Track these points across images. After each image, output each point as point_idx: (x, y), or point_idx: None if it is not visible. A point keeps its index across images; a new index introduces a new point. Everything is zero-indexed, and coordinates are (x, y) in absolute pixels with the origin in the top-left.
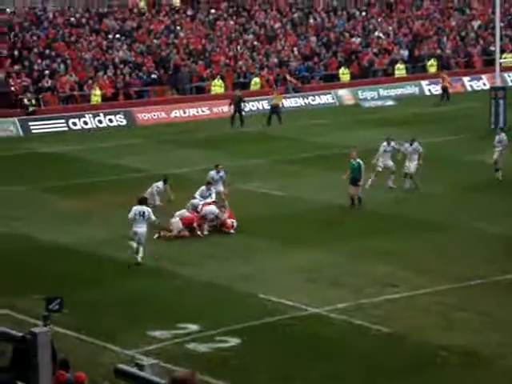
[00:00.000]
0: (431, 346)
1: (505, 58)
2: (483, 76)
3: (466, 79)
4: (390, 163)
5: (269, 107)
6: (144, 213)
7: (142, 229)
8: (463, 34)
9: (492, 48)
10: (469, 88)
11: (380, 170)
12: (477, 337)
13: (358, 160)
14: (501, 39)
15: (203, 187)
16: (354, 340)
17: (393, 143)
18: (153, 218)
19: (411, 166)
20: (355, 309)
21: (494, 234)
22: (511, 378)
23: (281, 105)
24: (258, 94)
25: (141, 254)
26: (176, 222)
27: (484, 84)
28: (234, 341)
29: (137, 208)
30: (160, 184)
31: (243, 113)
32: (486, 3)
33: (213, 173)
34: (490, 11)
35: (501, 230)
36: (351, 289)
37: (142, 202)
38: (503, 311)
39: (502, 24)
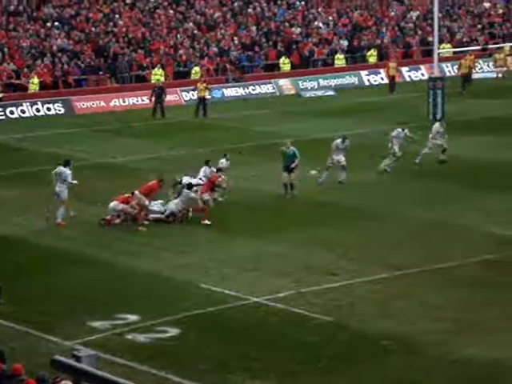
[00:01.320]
0: (371, 334)
1: (443, 49)
2: (422, 66)
3: (404, 69)
4: (342, 158)
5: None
6: (61, 174)
7: (59, 188)
8: (402, 24)
9: (430, 38)
10: (407, 78)
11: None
12: (415, 325)
13: (293, 148)
14: (439, 30)
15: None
16: (294, 329)
17: (347, 141)
18: (69, 179)
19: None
20: (296, 298)
21: (431, 222)
22: (449, 366)
23: (207, 95)
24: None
25: (59, 215)
26: (113, 207)
27: (422, 74)
28: (173, 331)
29: (58, 169)
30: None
31: (163, 103)
32: None
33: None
34: (429, 2)
35: (437, 218)
36: (292, 278)
37: (66, 164)
38: (441, 299)
39: (440, 14)
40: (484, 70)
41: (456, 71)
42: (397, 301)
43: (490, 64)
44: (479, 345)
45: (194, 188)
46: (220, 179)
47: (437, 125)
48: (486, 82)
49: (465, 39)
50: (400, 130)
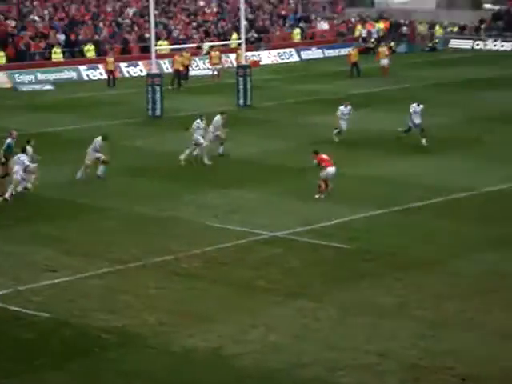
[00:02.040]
0: (92, 329)
1: (160, 46)
2: (140, 62)
3: (123, 65)
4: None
5: None
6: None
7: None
8: (119, 20)
9: (147, 35)
10: (126, 74)
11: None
12: (136, 318)
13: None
14: (156, 26)
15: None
16: (10, 328)
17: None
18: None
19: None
20: (13, 296)
21: (150, 216)
22: (170, 356)
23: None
24: None
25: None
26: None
27: (141, 70)
28: None
29: None
30: None
31: None
32: None
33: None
34: None
35: (157, 212)
36: (9, 276)
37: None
38: (161, 292)
39: (156, 11)
40: (200, 68)
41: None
42: (118, 295)
43: (206, 61)
44: (198, 335)
45: None
46: None
47: (217, 117)
48: (202, 80)
49: (181, 36)
50: (198, 120)
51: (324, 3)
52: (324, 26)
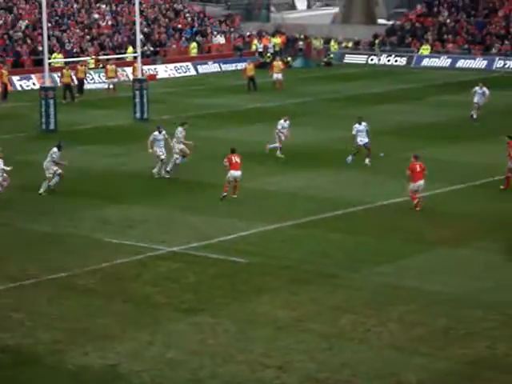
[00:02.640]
0: None
1: (54, 59)
2: (33, 76)
3: (15, 78)
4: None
5: None
6: None
7: None
8: (11, 32)
9: (40, 48)
10: (19, 87)
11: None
12: (31, 336)
13: None
14: (49, 39)
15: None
16: None
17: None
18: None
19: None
20: None
21: (46, 233)
22: (66, 374)
23: None
24: None
25: None
26: None
27: (34, 84)
28: None
29: None
30: None
31: None
32: (32, 3)
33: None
34: (37, 11)
35: (53, 229)
36: None
37: None
38: (56, 309)
39: (49, 24)
40: (96, 81)
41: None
42: (12, 313)
43: (102, 75)
44: (94, 352)
45: None
46: None
47: (180, 129)
48: (99, 93)
49: (75, 49)
50: (157, 132)
51: (220, 17)
52: (221, 40)
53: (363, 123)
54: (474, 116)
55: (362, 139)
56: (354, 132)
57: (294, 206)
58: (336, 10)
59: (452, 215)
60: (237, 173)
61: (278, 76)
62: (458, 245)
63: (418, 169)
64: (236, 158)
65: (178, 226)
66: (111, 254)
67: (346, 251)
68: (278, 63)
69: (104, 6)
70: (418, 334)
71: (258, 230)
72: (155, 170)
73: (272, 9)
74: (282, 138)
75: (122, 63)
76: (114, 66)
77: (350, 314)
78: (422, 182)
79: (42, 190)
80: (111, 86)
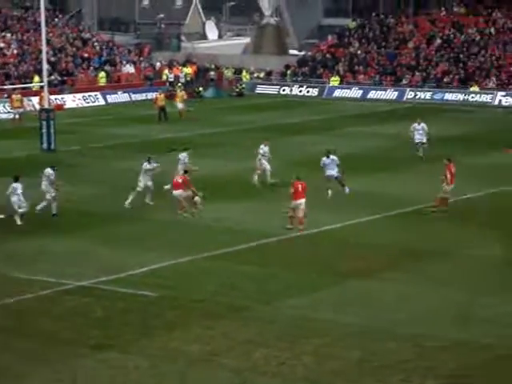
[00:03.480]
0: None
1: None
2: None
3: None
4: (150, 183)
5: None
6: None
7: None
8: None
9: None
10: None
11: (140, 189)
12: None
13: None
14: None
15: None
16: None
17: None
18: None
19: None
20: None
21: None
22: None
23: None
24: None
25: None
26: None
27: None
28: None
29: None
30: None
31: None
32: None
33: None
34: None
35: None
36: None
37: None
38: None
39: None
40: (0, 111)
41: None
42: None
43: (7, 105)
44: None
45: None
46: None
47: (184, 154)
48: (4, 123)
49: None
50: (146, 163)
51: (130, 46)
52: (130, 69)
53: (331, 156)
54: (421, 155)
55: (330, 172)
56: (321, 165)
57: (207, 237)
58: (247, 40)
59: (365, 246)
60: (175, 192)
61: (180, 105)
62: (371, 276)
63: (300, 188)
64: (179, 179)
65: (88, 260)
66: (17, 289)
67: (258, 283)
68: (181, 93)
69: (9, 35)
70: (332, 367)
71: (169, 262)
72: (127, 202)
73: (182, 38)
74: (265, 162)
75: (29, 93)
76: (19, 96)
77: (263, 348)
78: (302, 200)
79: (38, 208)
80: (17, 116)
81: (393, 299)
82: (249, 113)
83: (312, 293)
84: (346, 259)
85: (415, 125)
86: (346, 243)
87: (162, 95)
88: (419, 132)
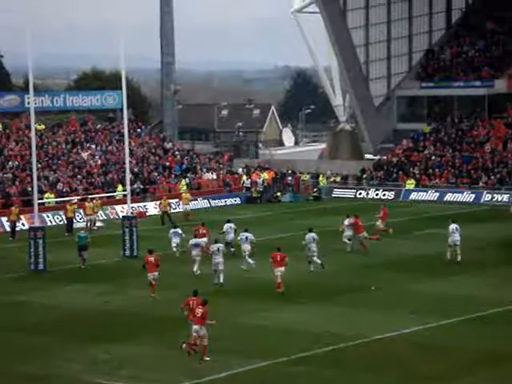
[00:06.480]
0: None
1: (47, 198)
2: (22, 216)
3: (4, 219)
4: None
5: None
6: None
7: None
8: (0, 174)
9: (30, 188)
10: (8, 228)
11: None
12: None
13: None
14: (39, 179)
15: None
16: None
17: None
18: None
19: None
20: None
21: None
22: None
23: None
24: None
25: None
26: None
27: (23, 224)
28: None
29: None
30: None
31: None
32: (22, 144)
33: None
34: (28, 152)
35: (38, 370)
36: None
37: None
38: None
39: (39, 165)
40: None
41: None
42: None
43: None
44: None
45: None
46: None
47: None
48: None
49: (65, 189)
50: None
51: (209, 155)
52: (210, 176)
53: (311, 234)
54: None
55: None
56: (303, 243)
57: (284, 341)
58: (323, 145)
59: (444, 349)
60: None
61: (187, 207)
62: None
63: (279, 258)
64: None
65: (167, 364)
66: None
67: None
68: (186, 195)
69: (94, 146)
70: None
71: (250, 367)
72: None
73: (260, 145)
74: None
75: (112, 201)
76: (91, 204)
77: None
78: (282, 268)
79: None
80: (89, 224)
81: None
82: (326, 216)
83: None
84: (426, 362)
85: (453, 225)
86: (424, 346)
87: (167, 201)
88: (455, 231)
